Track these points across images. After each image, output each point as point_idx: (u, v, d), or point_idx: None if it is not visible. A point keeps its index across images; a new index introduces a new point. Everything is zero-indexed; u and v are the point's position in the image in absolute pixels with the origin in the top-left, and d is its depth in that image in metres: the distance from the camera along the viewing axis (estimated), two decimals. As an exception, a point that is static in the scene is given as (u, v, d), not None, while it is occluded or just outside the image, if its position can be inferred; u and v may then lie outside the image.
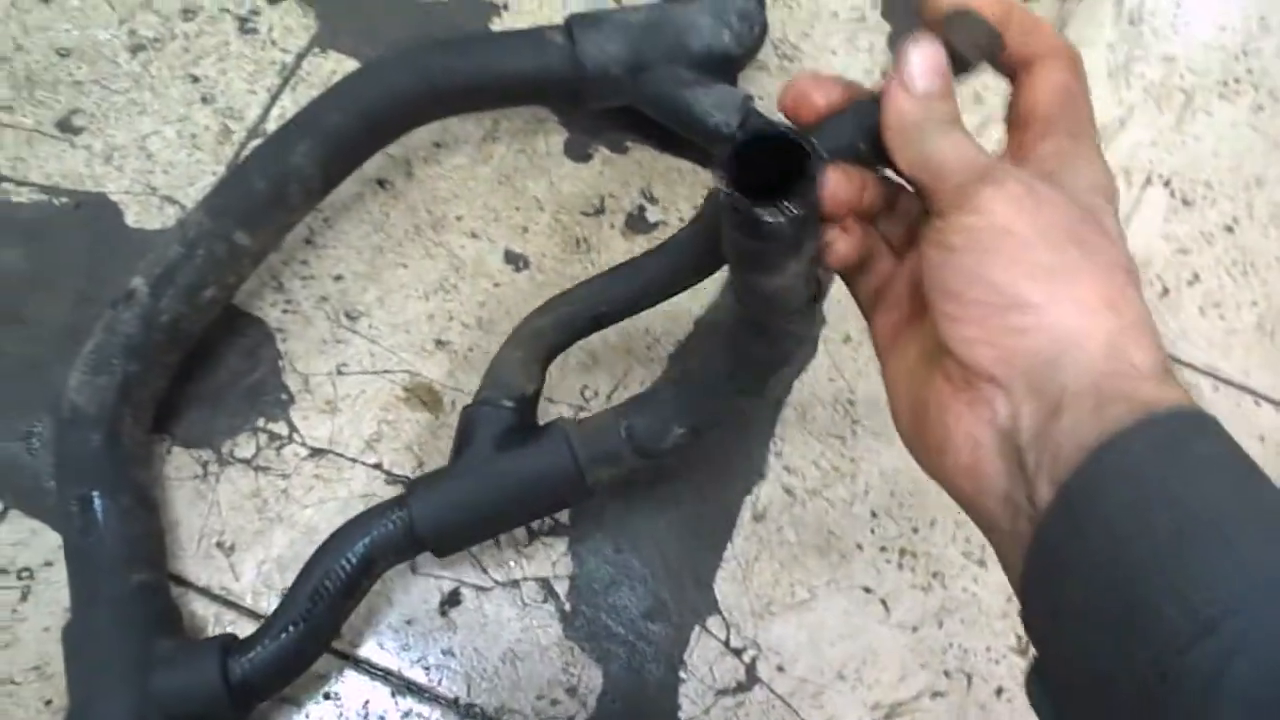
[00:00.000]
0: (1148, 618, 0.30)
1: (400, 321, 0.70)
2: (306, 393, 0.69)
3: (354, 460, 0.67)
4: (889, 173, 0.42)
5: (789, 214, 0.37)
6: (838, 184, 0.40)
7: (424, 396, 0.69)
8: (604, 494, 0.68)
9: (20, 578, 0.64)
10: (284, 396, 0.68)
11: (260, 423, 0.68)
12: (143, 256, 0.67)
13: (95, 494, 0.61)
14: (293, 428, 0.68)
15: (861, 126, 0.40)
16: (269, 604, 0.64)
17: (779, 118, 0.42)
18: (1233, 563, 0.30)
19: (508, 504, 0.60)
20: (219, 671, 0.56)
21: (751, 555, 0.68)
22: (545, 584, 0.66)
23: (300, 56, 0.75)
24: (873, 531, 0.69)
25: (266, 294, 0.70)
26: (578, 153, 0.76)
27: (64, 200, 0.71)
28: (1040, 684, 0.36)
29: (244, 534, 0.66)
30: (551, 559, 0.67)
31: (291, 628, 0.58)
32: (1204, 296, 0.77)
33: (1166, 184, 0.79)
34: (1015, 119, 0.41)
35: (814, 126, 0.41)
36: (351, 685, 0.63)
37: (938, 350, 0.39)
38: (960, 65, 0.40)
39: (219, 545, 0.65)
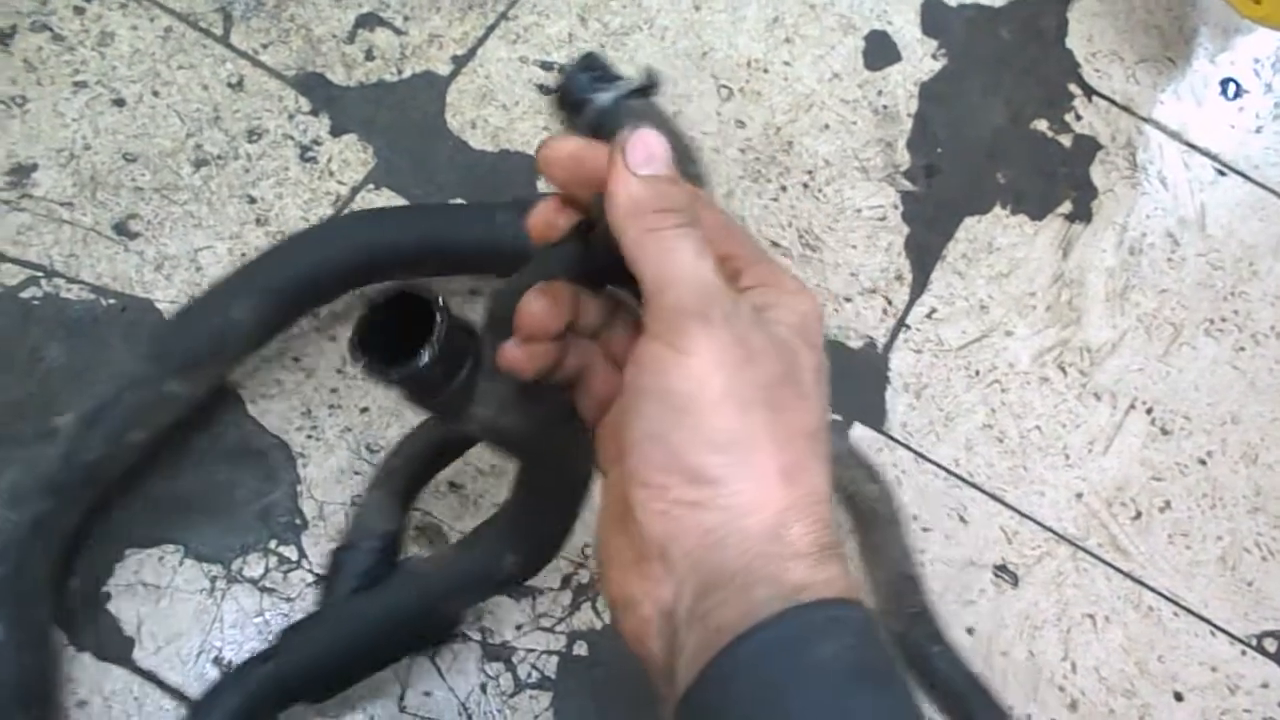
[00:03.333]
0: None
1: (418, 460, 0.73)
2: (320, 520, 0.71)
3: (357, 592, 0.70)
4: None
5: (421, 359, 0.36)
6: (538, 306, 0.39)
7: (432, 536, 0.72)
8: (594, 654, 0.71)
9: None
10: (298, 521, 0.71)
11: (272, 544, 0.70)
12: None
13: None
14: (302, 553, 0.70)
15: (579, 246, 0.40)
16: (258, 726, 0.66)
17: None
18: None
19: (366, 646, 0.62)
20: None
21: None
22: (526, 738, 0.69)
23: (355, 190, 0.79)
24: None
25: (294, 418, 0.73)
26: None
27: (111, 302, 0.74)
28: None
29: (242, 653, 0.67)
30: (535, 712, 0.69)
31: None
32: (1173, 525, 0.82)
33: (1149, 411, 0.84)
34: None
35: (541, 250, 0.41)
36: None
37: (628, 504, 0.37)
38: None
39: (215, 661, 0.67)
